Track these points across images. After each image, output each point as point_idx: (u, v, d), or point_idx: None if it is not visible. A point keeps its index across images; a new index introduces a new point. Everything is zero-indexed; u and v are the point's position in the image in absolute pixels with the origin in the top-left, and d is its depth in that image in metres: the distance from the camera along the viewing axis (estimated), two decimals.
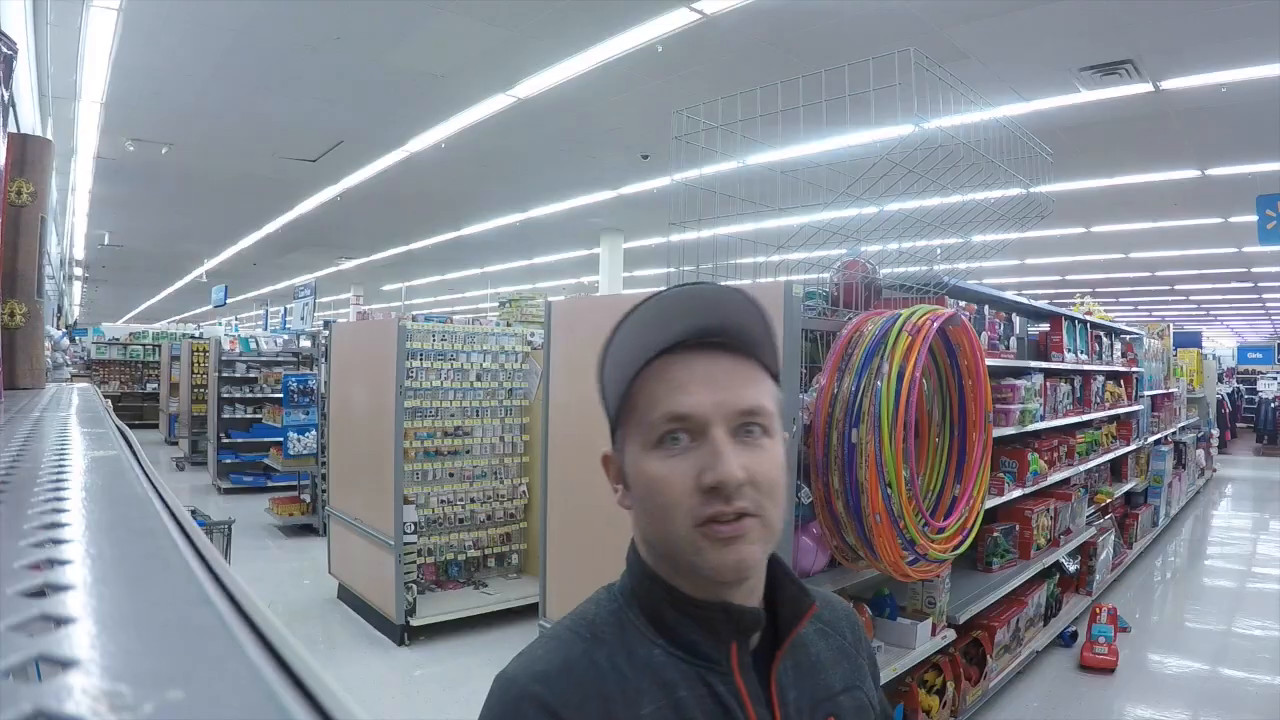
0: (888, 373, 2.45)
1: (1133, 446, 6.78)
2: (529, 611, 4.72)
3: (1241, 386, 20.35)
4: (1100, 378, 5.77)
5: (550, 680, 0.77)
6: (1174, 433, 8.92)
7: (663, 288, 0.85)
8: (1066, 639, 4.82)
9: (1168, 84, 5.91)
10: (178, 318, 28.21)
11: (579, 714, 0.74)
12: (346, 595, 5.49)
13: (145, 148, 8.04)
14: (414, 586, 4.81)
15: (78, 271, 15.21)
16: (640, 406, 0.80)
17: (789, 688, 0.84)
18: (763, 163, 2.91)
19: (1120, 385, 6.46)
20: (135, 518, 0.49)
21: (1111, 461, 6.49)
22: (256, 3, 5.03)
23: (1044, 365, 4.59)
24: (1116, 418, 6.48)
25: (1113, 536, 6.06)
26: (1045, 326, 5.00)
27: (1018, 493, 4.12)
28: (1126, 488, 6.94)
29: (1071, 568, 5.26)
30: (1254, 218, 7.50)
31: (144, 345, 18.42)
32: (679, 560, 0.79)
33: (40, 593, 0.32)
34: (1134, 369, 6.85)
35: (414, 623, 4.73)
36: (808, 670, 0.87)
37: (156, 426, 16.44)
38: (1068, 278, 16.84)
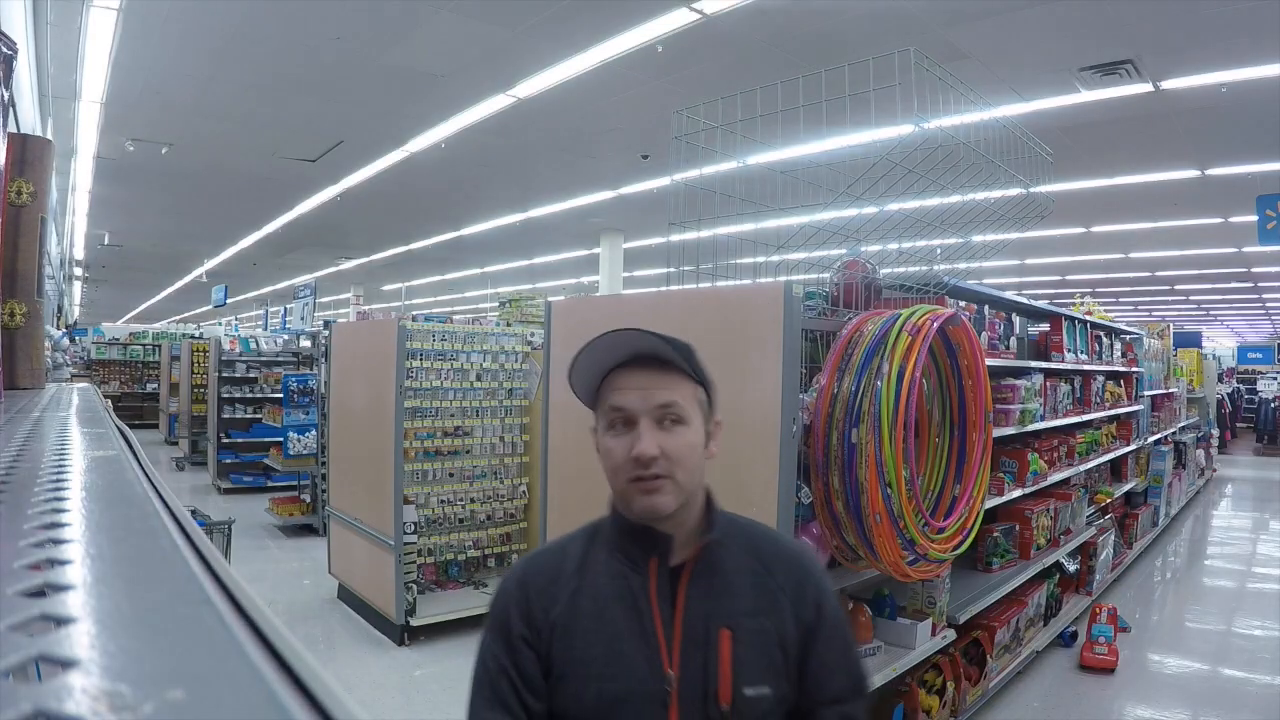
0: (888, 373, 2.45)
1: (1133, 446, 6.78)
2: None
3: (1241, 386, 20.34)
4: (1100, 378, 5.77)
5: (531, 563, 1.27)
6: (1174, 433, 8.92)
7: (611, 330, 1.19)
8: (1066, 639, 4.82)
9: (1168, 84, 5.91)
10: (178, 318, 28.22)
11: (536, 584, 1.21)
12: (346, 595, 5.50)
13: (145, 148, 8.04)
14: (414, 586, 4.82)
15: (78, 271, 15.21)
16: (600, 401, 1.20)
17: (696, 598, 1.17)
18: (763, 163, 2.91)
19: (1120, 385, 6.46)
20: (135, 518, 0.49)
21: (1111, 461, 6.49)
22: (256, 3, 5.03)
23: (1044, 365, 4.58)
24: (1116, 418, 6.48)
25: (1113, 536, 6.06)
26: (1045, 326, 5.00)
27: (1018, 493, 4.12)
28: (1126, 488, 6.94)
29: (1071, 568, 5.26)
30: (1254, 218, 7.50)
31: (144, 345, 18.43)
32: (621, 502, 1.20)
33: (40, 593, 0.32)
34: (1134, 369, 6.85)
35: (414, 623, 4.73)
36: (719, 591, 1.18)
37: (156, 426, 16.44)
38: (1068, 278, 16.84)
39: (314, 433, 8.11)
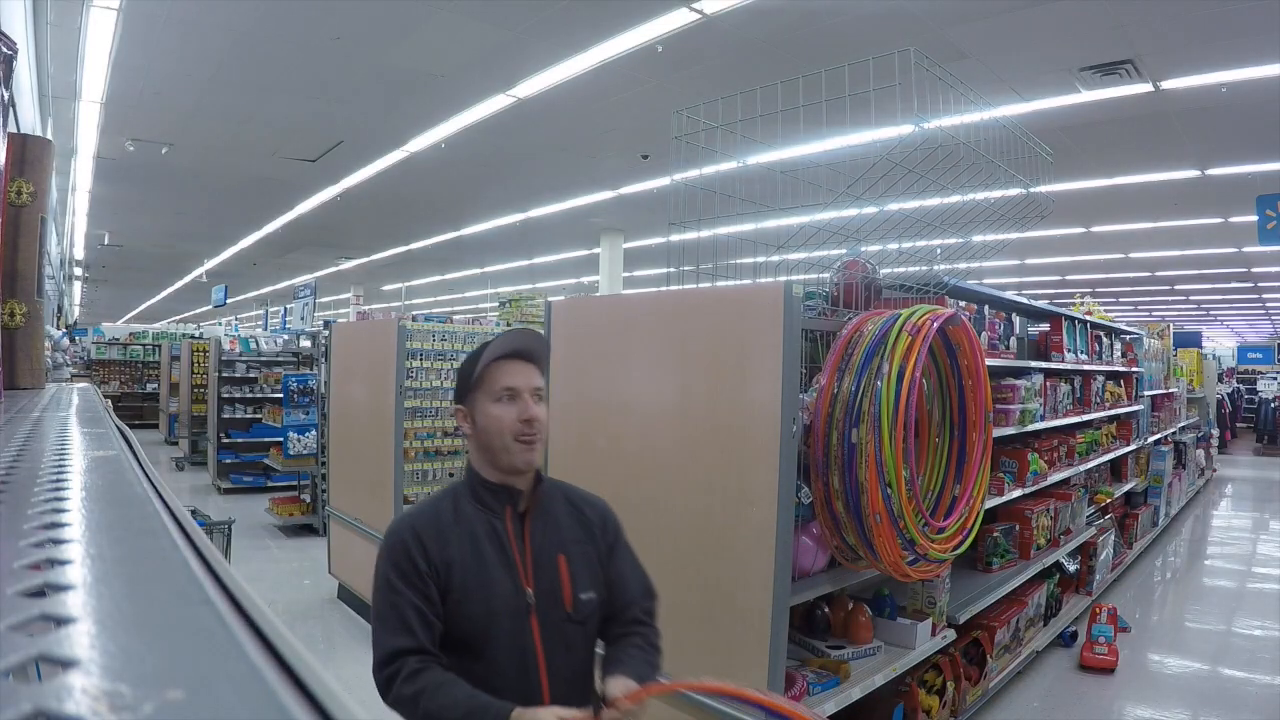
0: (888, 373, 2.45)
1: (1133, 446, 6.78)
2: None
3: (1241, 386, 20.35)
4: (1100, 378, 5.77)
5: (416, 518, 1.59)
6: (1174, 433, 8.92)
7: (510, 328, 1.70)
8: (1066, 639, 4.82)
9: (1168, 84, 5.90)
10: (178, 318, 28.22)
11: (430, 537, 1.54)
12: (346, 595, 5.49)
13: (145, 148, 8.04)
14: None
15: (78, 271, 15.20)
16: (488, 382, 1.58)
17: (537, 532, 1.62)
18: (763, 163, 2.91)
19: (1120, 385, 6.46)
20: (135, 518, 0.49)
21: (1111, 461, 6.49)
22: (256, 3, 5.03)
23: (1044, 365, 4.58)
24: (1116, 418, 6.48)
25: (1113, 536, 6.06)
26: (1045, 326, 5.00)
27: (1018, 493, 4.12)
28: (1126, 488, 6.94)
29: (1071, 568, 5.26)
30: (1254, 218, 7.50)
31: (144, 345, 18.42)
32: (500, 458, 1.58)
33: (40, 593, 0.32)
34: (1134, 369, 6.85)
35: None
36: (552, 527, 1.64)
37: (156, 426, 16.44)
38: (1068, 278, 16.84)
39: (314, 433, 8.11)
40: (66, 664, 0.24)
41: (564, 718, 1.36)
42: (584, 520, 1.67)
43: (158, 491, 0.57)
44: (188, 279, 18.84)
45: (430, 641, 1.48)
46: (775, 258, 2.81)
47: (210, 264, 16.22)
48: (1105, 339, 6.09)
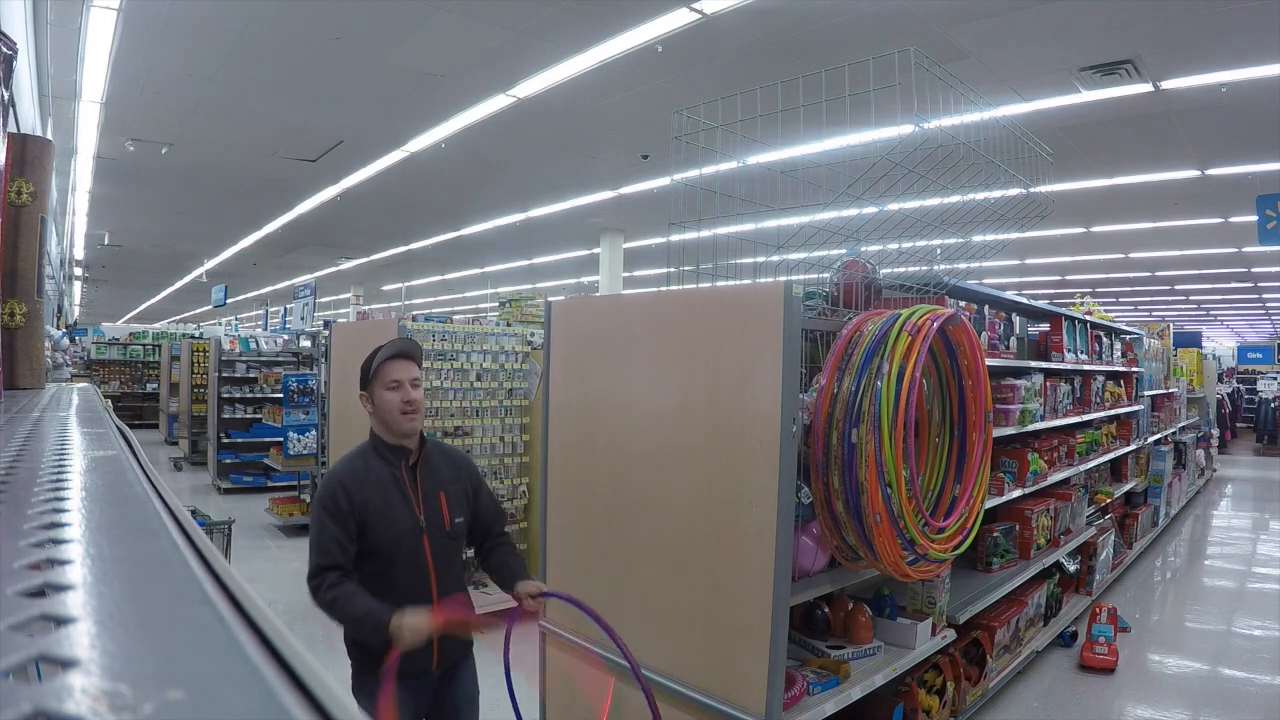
0: (888, 373, 2.45)
1: (1133, 446, 6.78)
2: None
3: (1241, 386, 20.35)
4: (1100, 378, 5.77)
5: (342, 471, 2.22)
6: (1174, 433, 8.92)
7: (397, 337, 2.45)
8: (1066, 639, 4.82)
9: (1168, 84, 5.90)
10: (178, 318, 28.22)
11: (352, 486, 2.16)
12: None
13: (145, 148, 8.04)
14: None
15: (78, 271, 15.21)
16: (380, 376, 2.23)
17: (425, 478, 2.27)
18: (763, 163, 2.91)
19: (1120, 385, 6.46)
20: (135, 518, 0.49)
21: (1111, 461, 6.49)
22: (256, 3, 5.03)
23: (1044, 365, 4.58)
24: (1116, 418, 6.48)
25: (1113, 536, 6.06)
26: (1045, 326, 5.00)
27: (1018, 493, 4.12)
28: (1126, 488, 6.94)
29: (1071, 568, 5.26)
30: (1254, 218, 7.50)
31: (144, 345, 18.42)
32: (392, 427, 2.24)
33: (40, 593, 0.32)
34: (1134, 369, 6.85)
35: None
36: (434, 473, 2.30)
37: (156, 426, 16.44)
38: (1068, 278, 16.84)
39: (314, 433, 8.11)
40: (66, 664, 0.24)
41: (422, 621, 1.93)
42: (455, 468, 2.37)
43: (158, 491, 0.57)
44: (188, 279, 18.84)
45: (345, 561, 2.09)
46: (775, 258, 2.81)
47: (210, 264, 16.21)
48: (1105, 339, 6.09)
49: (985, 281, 6.49)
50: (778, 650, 2.37)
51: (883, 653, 3.01)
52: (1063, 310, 5.17)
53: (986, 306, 3.97)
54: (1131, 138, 7.26)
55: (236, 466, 10.30)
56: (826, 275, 3.05)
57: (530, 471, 5.59)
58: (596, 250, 13.24)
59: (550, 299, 3.53)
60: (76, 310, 19.61)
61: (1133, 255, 13.83)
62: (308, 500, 8.08)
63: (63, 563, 0.36)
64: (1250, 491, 12.27)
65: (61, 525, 0.43)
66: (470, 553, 2.51)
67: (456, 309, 25.80)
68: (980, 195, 3.04)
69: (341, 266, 17.20)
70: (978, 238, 3.44)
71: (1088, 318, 5.65)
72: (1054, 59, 5.60)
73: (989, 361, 3.19)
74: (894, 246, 3.03)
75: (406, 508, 2.19)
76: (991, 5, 4.82)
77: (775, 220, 2.88)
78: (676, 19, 5.05)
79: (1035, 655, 4.46)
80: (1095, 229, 11.49)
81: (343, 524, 2.09)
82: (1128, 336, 7.13)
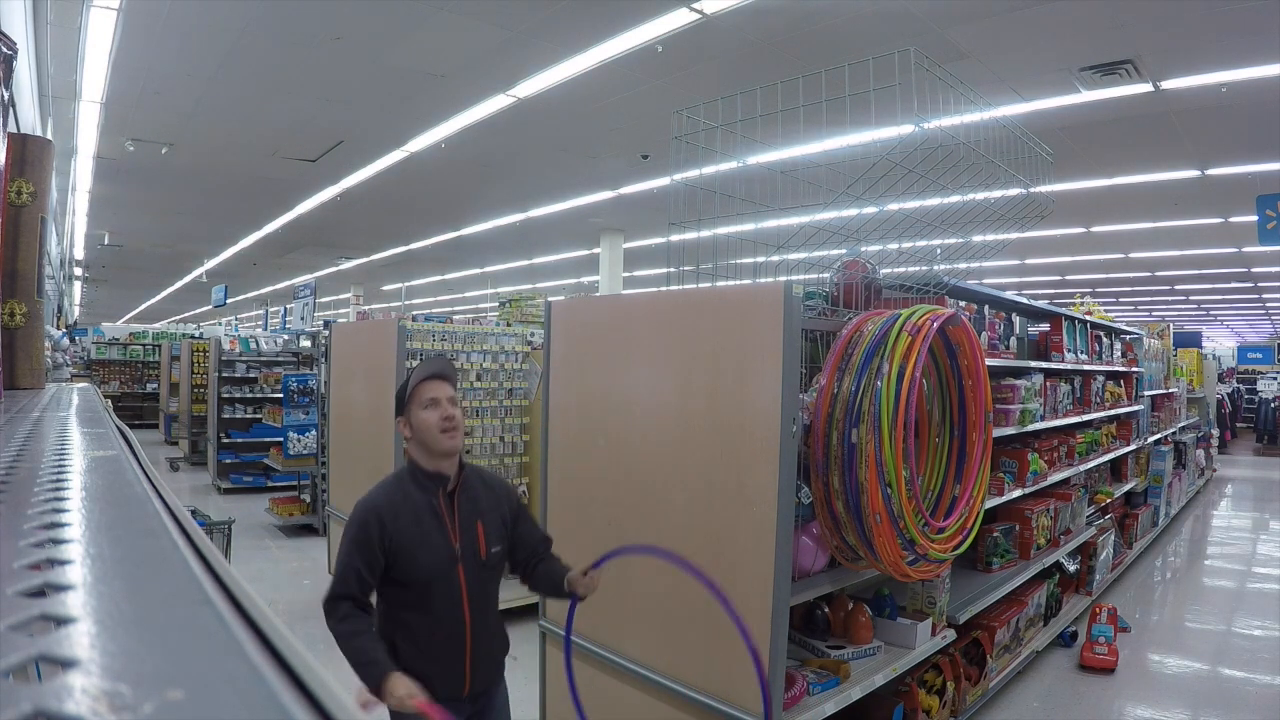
0: (888, 373, 2.45)
1: (1133, 446, 6.78)
2: (529, 611, 4.72)
3: (1241, 386, 20.35)
4: (1100, 378, 5.76)
5: (379, 502, 2.13)
6: (1174, 433, 8.92)
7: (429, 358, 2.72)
8: (1066, 639, 4.82)
9: (1168, 84, 5.90)
10: (178, 318, 28.22)
11: (387, 516, 2.09)
12: None
13: (145, 148, 8.04)
14: None
15: (78, 271, 15.20)
16: (418, 396, 2.16)
17: (463, 504, 2.20)
18: (763, 163, 2.91)
19: (1120, 385, 6.46)
20: (135, 518, 0.49)
21: (1111, 461, 6.49)
22: (257, 3, 5.02)
23: (1044, 365, 4.58)
24: (1116, 418, 6.48)
25: (1113, 536, 6.06)
26: (1045, 326, 5.00)
27: (1018, 493, 4.12)
28: (1126, 488, 6.94)
29: (1071, 568, 5.26)
30: (1254, 218, 7.50)
31: (144, 345, 18.42)
32: (432, 447, 2.14)
33: (40, 593, 0.32)
34: (1134, 369, 6.85)
35: None
36: (473, 501, 2.23)
37: (156, 426, 16.44)
38: (1068, 278, 16.84)
39: (314, 433, 8.11)
40: (66, 664, 0.24)
41: (409, 697, 1.83)
42: (494, 494, 2.30)
43: (158, 491, 0.57)
44: (188, 279, 18.84)
45: (362, 594, 2.07)
46: (775, 258, 2.81)
47: (210, 264, 16.21)
48: (1105, 339, 6.09)
49: (985, 281, 6.49)
50: (778, 650, 2.37)
51: (883, 653, 3.01)
52: (1063, 310, 5.17)
53: (986, 306, 3.97)
54: (1131, 138, 7.25)
55: (236, 466, 10.30)
56: (826, 275, 3.05)
57: (530, 471, 5.59)
58: (596, 250, 13.24)
59: (550, 299, 3.53)
60: (76, 310, 19.60)
61: (1133, 255, 13.83)
62: (308, 500, 8.08)
63: (63, 563, 0.36)
64: (1250, 491, 12.27)
65: (61, 525, 0.43)
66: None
67: (456, 309, 25.80)
68: (980, 195, 3.04)
69: (341, 266, 17.20)
70: (978, 238, 3.44)
71: (1088, 318, 5.65)
72: (1054, 59, 5.60)
73: (989, 361, 3.19)
74: (894, 246, 3.03)
75: (442, 537, 2.13)
76: (991, 5, 4.82)
77: (775, 220, 2.88)
78: (676, 19, 5.05)
79: (1035, 655, 4.46)
80: (1095, 229, 11.49)
81: (368, 556, 2.06)
82: (1128, 336, 7.13)
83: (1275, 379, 17.97)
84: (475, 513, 2.21)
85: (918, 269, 3.27)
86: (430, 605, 2.11)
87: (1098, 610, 4.61)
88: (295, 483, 9.00)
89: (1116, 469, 6.86)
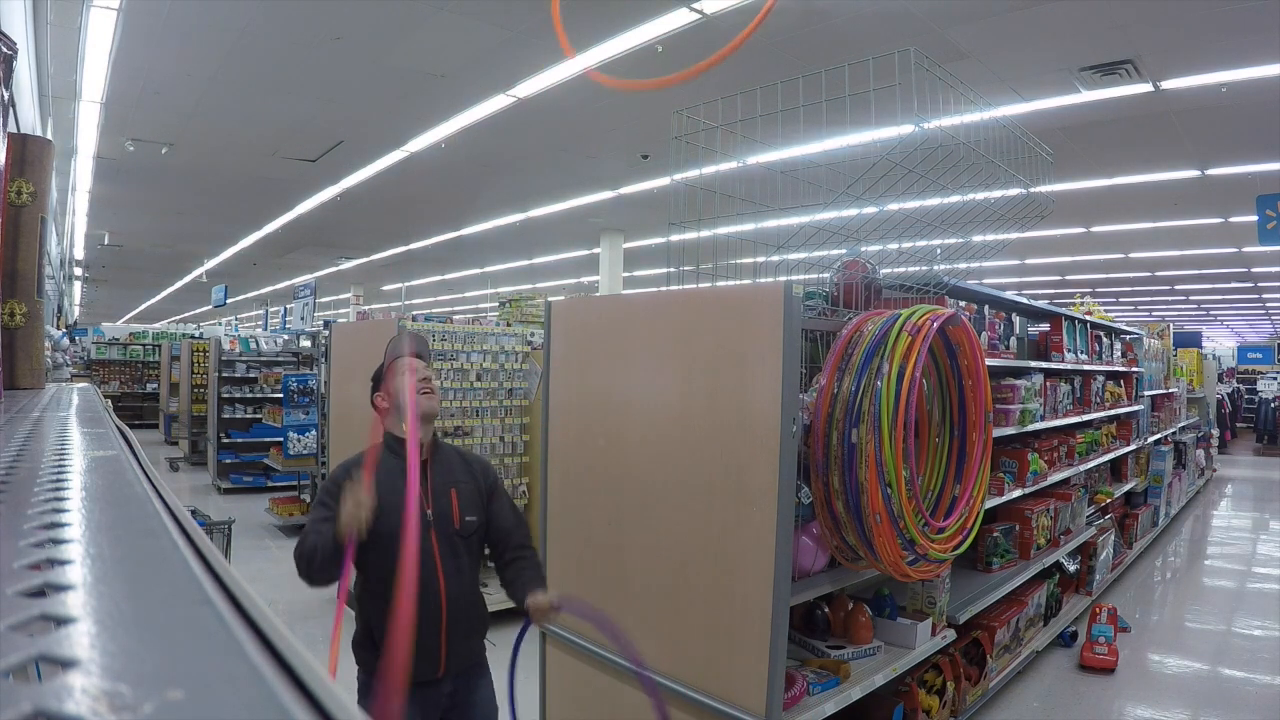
0: (888, 373, 2.45)
1: (1133, 446, 6.78)
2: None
3: (1241, 386, 20.35)
4: (1100, 378, 5.76)
5: (350, 461, 2.21)
6: (1174, 433, 8.92)
7: (389, 336, 2.84)
8: (1066, 639, 4.82)
9: (1168, 84, 5.90)
10: (178, 318, 28.21)
11: (357, 473, 2.04)
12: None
13: (145, 148, 8.04)
14: None
15: (78, 271, 15.20)
16: (395, 368, 2.22)
17: (436, 472, 2.25)
18: (763, 163, 2.91)
19: (1120, 385, 6.46)
20: (135, 518, 0.49)
21: (1111, 461, 6.49)
22: (256, 3, 5.03)
23: (1044, 365, 4.58)
24: (1116, 418, 6.48)
25: (1113, 536, 6.06)
26: (1045, 326, 5.00)
27: (1018, 493, 4.12)
28: (1126, 488, 6.94)
29: (1071, 568, 5.26)
30: (1254, 218, 7.50)
31: (144, 345, 18.43)
32: (409, 410, 2.07)
33: (40, 593, 0.32)
34: (1134, 369, 6.85)
35: None
36: (446, 470, 2.27)
37: (156, 426, 16.44)
38: (1068, 278, 16.83)
39: (314, 433, 8.11)
40: (66, 664, 0.24)
41: (361, 502, 1.95)
42: (470, 468, 2.33)
43: (158, 491, 0.57)
44: (188, 279, 18.84)
45: None
46: (775, 258, 2.81)
47: (210, 264, 16.21)
48: (1105, 339, 6.09)
49: (985, 281, 6.49)
50: (778, 650, 2.37)
51: (883, 653, 3.01)
52: (1063, 310, 5.17)
53: (986, 306, 3.97)
54: (1131, 138, 7.25)
55: (236, 466, 10.30)
56: (826, 275, 3.05)
57: (530, 471, 5.59)
58: (596, 250, 13.24)
59: (550, 299, 3.53)
60: (76, 310, 19.60)
61: (1133, 255, 13.83)
62: (308, 500, 8.07)
63: (63, 563, 0.36)
64: (1250, 491, 12.27)
65: (61, 525, 0.43)
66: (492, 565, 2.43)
67: (456, 309, 25.80)
68: (980, 195, 3.04)
69: (341, 266, 17.20)
70: (978, 238, 3.44)
71: (1088, 318, 5.65)
72: (1054, 59, 5.60)
73: (989, 361, 3.19)
74: (894, 246, 3.03)
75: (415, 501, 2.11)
76: (991, 5, 4.82)
77: (775, 220, 2.88)
78: (676, 19, 5.05)
79: (1035, 655, 4.46)
80: (1095, 229, 11.49)
81: (337, 507, 2.05)
82: (1128, 336, 7.13)
83: (1275, 379, 17.97)
84: (450, 480, 2.23)
85: (918, 269, 3.27)
86: (400, 571, 2.06)
87: (1098, 610, 4.61)
88: (295, 483, 9.00)
89: (1116, 469, 6.86)
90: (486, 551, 2.37)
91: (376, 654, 2.10)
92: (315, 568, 2.03)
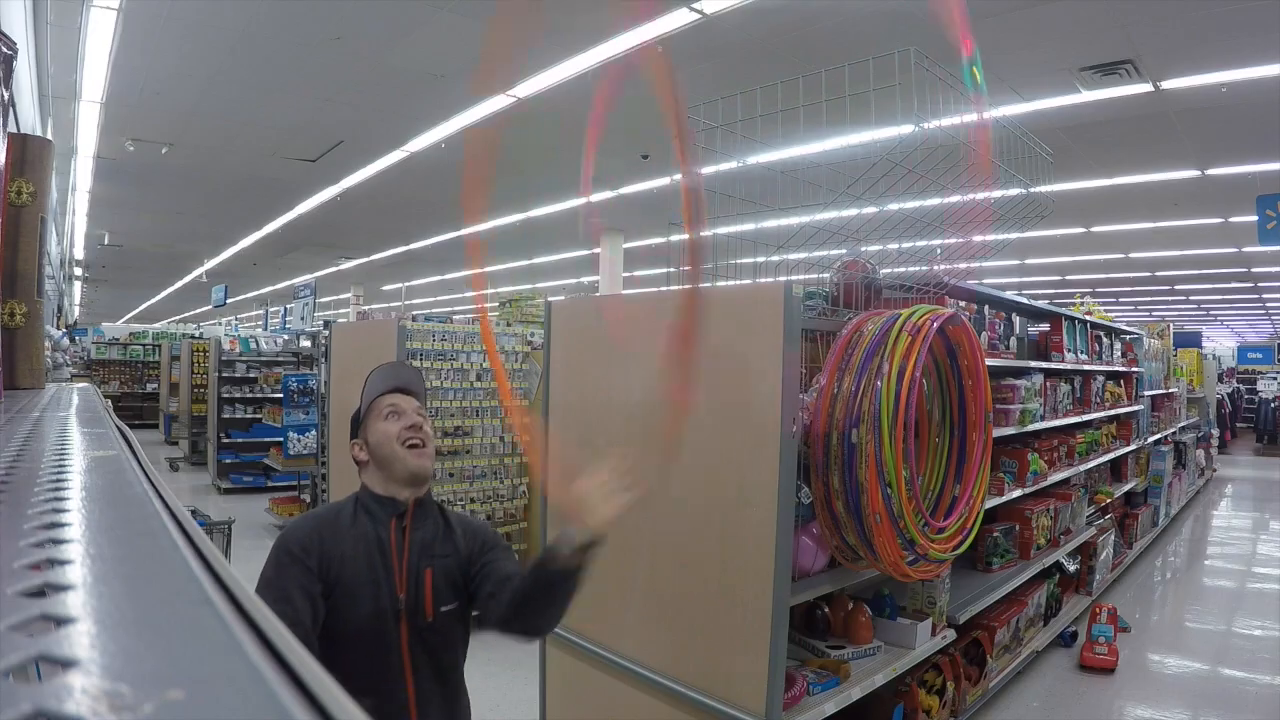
0: (888, 373, 2.45)
1: (1133, 446, 6.78)
2: None
3: (1241, 386, 20.34)
4: (1100, 378, 5.76)
5: (314, 517, 1.78)
6: (1174, 433, 8.92)
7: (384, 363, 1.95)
8: (1066, 639, 4.81)
9: (1168, 84, 5.90)
10: (178, 318, 28.20)
11: (326, 532, 1.69)
12: None
13: (145, 148, 8.04)
14: None
15: (78, 271, 15.20)
16: (375, 410, 1.79)
17: (415, 544, 1.74)
18: (763, 163, 2.91)
19: (1120, 385, 6.46)
20: (135, 518, 0.49)
21: (1111, 461, 6.49)
22: (256, 3, 5.02)
23: (1044, 365, 4.58)
24: (1116, 418, 6.48)
25: (1113, 536, 6.06)
26: (1045, 326, 5.00)
27: (1018, 493, 4.12)
28: (1126, 488, 6.94)
29: (1071, 568, 5.26)
30: (1254, 218, 7.50)
31: (144, 345, 18.42)
32: (395, 468, 1.75)
33: (40, 593, 0.32)
34: (1134, 369, 6.85)
35: None
36: (429, 542, 1.77)
37: (156, 426, 16.43)
38: (1068, 278, 16.83)
39: (314, 433, 8.11)
40: (66, 664, 0.24)
41: None
42: (452, 536, 1.82)
43: (158, 491, 0.57)
44: (188, 279, 18.83)
45: (308, 617, 1.64)
46: (775, 258, 2.81)
47: (210, 264, 16.21)
48: (1105, 339, 6.09)
49: (985, 281, 6.48)
50: (778, 650, 2.37)
51: (883, 653, 3.01)
52: (1063, 310, 5.17)
53: (986, 306, 3.97)
54: (1131, 138, 7.25)
55: (236, 466, 10.30)
56: (826, 275, 3.05)
57: (530, 471, 5.59)
58: (596, 250, 13.23)
59: (550, 299, 3.53)
60: (76, 310, 19.60)
61: (1133, 255, 13.82)
62: (308, 500, 8.08)
63: (63, 563, 0.36)
64: (1250, 491, 12.27)
65: (61, 525, 0.43)
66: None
67: (456, 309, 25.79)
68: (980, 195, 3.04)
69: (341, 266, 17.19)
70: (978, 238, 3.44)
71: (1088, 318, 5.64)
72: (1054, 59, 5.60)
73: (989, 361, 3.19)
74: (894, 246, 3.03)
75: (386, 580, 1.69)
76: (991, 5, 4.82)
77: (775, 220, 2.88)
78: (676, 19, 5.04)
79: (1035, 655, 4.46)
80: (1095, 229, 11.48)
81: (305, 581, 1.62)
82: (1128, 336, 7.13)
83: (1275, 379, 17.97)
84: (427, 558, 1.75)
85: (918, 269, 3.27)
86: (362, 667, 1.65)
87: (1098, 610, 4.61)
88: (295, 483, 9.00)
89: (1116, 469, 6.85)
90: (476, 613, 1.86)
91: None
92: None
